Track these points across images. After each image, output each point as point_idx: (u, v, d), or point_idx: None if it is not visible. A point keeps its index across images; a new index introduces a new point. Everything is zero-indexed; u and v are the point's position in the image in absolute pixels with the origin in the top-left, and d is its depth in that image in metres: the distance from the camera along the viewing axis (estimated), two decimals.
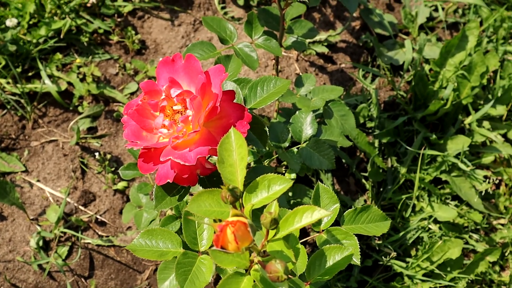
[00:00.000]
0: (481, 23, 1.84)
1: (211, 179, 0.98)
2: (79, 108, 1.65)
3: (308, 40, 1.75)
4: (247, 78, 1.14)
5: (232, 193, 0.72)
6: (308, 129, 1.25)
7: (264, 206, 0.80)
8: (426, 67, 1.75)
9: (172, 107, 0.91)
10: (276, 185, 0.80)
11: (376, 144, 1.62)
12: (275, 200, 0.77)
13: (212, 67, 0.94)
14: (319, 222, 1.01)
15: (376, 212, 1.06)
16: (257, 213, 0.87)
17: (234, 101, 0.97)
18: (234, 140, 0.82)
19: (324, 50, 1.75)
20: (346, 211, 1.03)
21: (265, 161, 1.30)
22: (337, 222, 1.03)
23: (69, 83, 1.67)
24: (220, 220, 0.74)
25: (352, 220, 1.05)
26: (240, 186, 0.79)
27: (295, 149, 1.25)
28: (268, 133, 1.19)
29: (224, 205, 0.78)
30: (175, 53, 0.96)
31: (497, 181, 1.65)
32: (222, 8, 1.82)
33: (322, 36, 1.77)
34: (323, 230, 1.00)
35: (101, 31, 1.74)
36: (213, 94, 0.91)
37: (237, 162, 0.80)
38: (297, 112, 1.27)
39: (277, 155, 1.30)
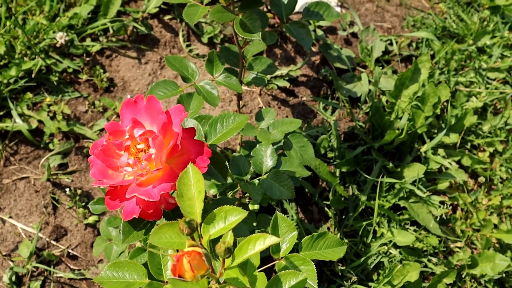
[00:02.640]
0: (434, 56, 1.94)
1: (176, 212, 1.04)
2: (50, 145, 1.70)
3: (269, 76, 1.83)
4: (208, 115, 1.21)
5: (189, 225, 0.78)
6: (268, 161, 1.32)
7: (222, 236, 0.86)
8: (384, 98, 1.84)
9: (136, 146, 0.98)
10: (232, 216, 0.86)
11: (337, 173, 1.69)
12: (230, 230, 0.84)
13: (173, 107, 1.01)
14: (278, 249, 1.08)
15: (332, 238, 1.13)
16: (216, 242, 0.93)
17: (195, 137, 1.04)
18: (192, 175, 0.88)
19: (286, 84, 1.83)
20: (304, 238, 1.10)
21: (229, 193, 1.37)
22: (296, 249, 1.10)
23: (40, 121, 1.72)
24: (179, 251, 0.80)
25: (310, 247, 1.12)
26: (199, 218, 0.85)
27: (256, 181, 1.31)
28: (228, 167, 1.26)
29: (184, 236, 0.84)
30: (138, 94, 1.02)
31: (450, 207, 1.73)
32: (187, 46, 1.89)
33: (283, 70, 1.86)
34: (282, 257, 1.07)
35: (70, 70, 1.80)
36: (174, 132, 0.97)
37: (196, 196, 0.86)
38: (257, 145, 1.34)
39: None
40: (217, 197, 1.39)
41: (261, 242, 0.81)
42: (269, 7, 1.73)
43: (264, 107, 1.81)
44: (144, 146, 0.98)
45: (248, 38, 1.25)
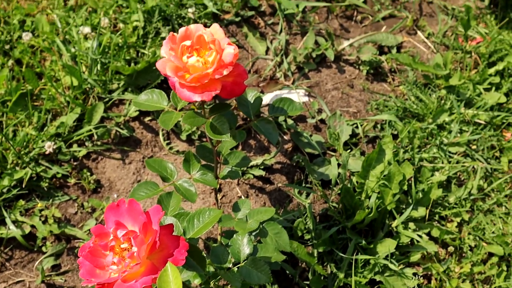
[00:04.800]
0: (398, 135, 2.08)
1: None
2: (43, 248, 1.80)
3: (244, 168, 1.96)
4: (186, 212, 1.33)
5: None
6: (245, 249, 1.43)
7: None
8: (354, 179, 1.97)
9: (120, 246, 1.09)
10: None
11: (315, 254, 1.80)
12: None
13: (152, 207, 1.13)
14: None
15: None
16: None
17: (174, 233, 1.16)
18: (171, 272, 0.99)
19: (261, 173, 1.96)
20: None
21: (212, 282, 1.46)
22: None
23: (33, 226, 1.83)
24: None
25: None
26: None
27: (235, 269, 1.42)
28: (209, 257, 1.37)
29: None
30: (121, 198, 1.14)
31: (424, 278, 1.83)
32: (168, 144, 2.03)
33: (258, 160, 1.99)
34: None
35: (59, 175, 1.92)
36: (154, 230, 1.09)
37: None
38: (234, 235, 1.45)
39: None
40: (201, 287, 1.48)
41: None
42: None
43: (242, 197, 1.93)
44: (127, 245, 1.09)
45: (218, 139, 1.38)
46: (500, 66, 2.18)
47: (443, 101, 2.16)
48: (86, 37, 2.13)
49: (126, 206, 1.12)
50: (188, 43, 1.36)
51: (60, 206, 1.89)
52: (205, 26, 2.22)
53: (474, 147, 2.09)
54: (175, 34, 1.38)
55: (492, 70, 2.19)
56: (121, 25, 2.18)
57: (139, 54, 2.15)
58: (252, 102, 1.59)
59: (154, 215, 1.12)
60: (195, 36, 1.37)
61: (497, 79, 2.17)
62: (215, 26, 1.40)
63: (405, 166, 1.87)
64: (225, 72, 1.34)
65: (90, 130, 1.96)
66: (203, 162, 1.58)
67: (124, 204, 1.13)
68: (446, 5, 2.44)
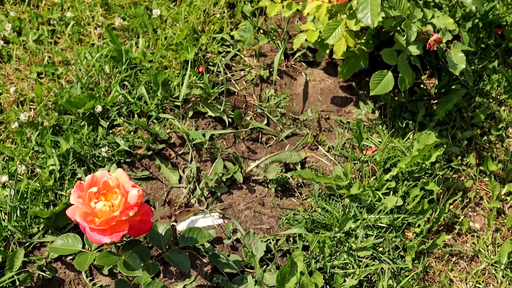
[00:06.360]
0: (309, 247, 2.22)
1: None
2: None
3: None
4: None
5: None
6: None
7: None
8: None
9: None
10: None
11: None
12: None
13: None
14: None
15: None
16: None
17: None
18: None
19: None
20: None
21: None
22: None
23: None
24: None
25: None
26: None
27: None
28: None
29: None
30: None
31: None
32: (91, 280, 2.09)
33: (179, 286, 2.07)
34: None
35: None
36: None
37: None
38: None
39: None
40: None
41: None
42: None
43: None
44: None
45: (131, 275, 1.48)
46: (394, 171, 2.38)
47: (347, 210, 2.33)
48: (4, 185, 2.22)
49: None
50: (95, 189, 1.49)
51: None
52: (119, 163, 2.36)
53: (380, 249, 2.24)
54: (82, 182, 1.50)
55: (388, 176, 2.39)
56: (38, 170, 2.29)
57: (57, 196, 2.25)
58: (163, 234, 1.70)
59: None
60: (101, 182, 1.50)
61: (393, 184, 2.36)
62: (119, 171, 1.53)
63: (316, 276, 2.00)
64: (131, 213, 1.46)
65: (12, 277, 2.02)
66: None
67: None
68: (342, 120, 2.67)
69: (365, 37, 2.53)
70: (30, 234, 2.14)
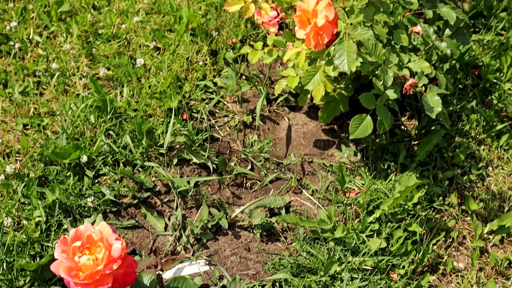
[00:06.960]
0: None
1: None
2: None
3: None
4: None
5: None
6: None
7: None
8: None
9: None
10: None
11: None
12: None
13: None
14: None
15: None
16: None
17: None
18: None
19: None
20: None
21: None
22: None
23: None
24: None
25: None
26: None
27: None
28: None
29: None
30: None
31: None
32: None
33: None
34: None
35: None
36: None
37: None
38: None
39: None
40: None
41: None
42: None
43: None
44: None
45: None
46: (377, 213, 2.41)
47: (332, 253, 2.35)
48: None
49: None
50: (78, 243, 1.51)
51: None
52: (105, 212, 2.38)
53: None
54: (66, 236, 1.52)
55: (371, 218, 2.42)
56: (24, 221, 2.30)
57: (44, 247, 2.26)
58: (148, 285, 1.72)
59: None
60: (85, 236, 1.52)
61: (376, 226, 2.39)
62: (103, 224, 1.56)
63: None
64: (115, 267, 1.48)
65: None
66: None
67: None
68: (325, 163, 2.71)
69: (344, 82, 2.59)
70: (17, 287, 2.14)
